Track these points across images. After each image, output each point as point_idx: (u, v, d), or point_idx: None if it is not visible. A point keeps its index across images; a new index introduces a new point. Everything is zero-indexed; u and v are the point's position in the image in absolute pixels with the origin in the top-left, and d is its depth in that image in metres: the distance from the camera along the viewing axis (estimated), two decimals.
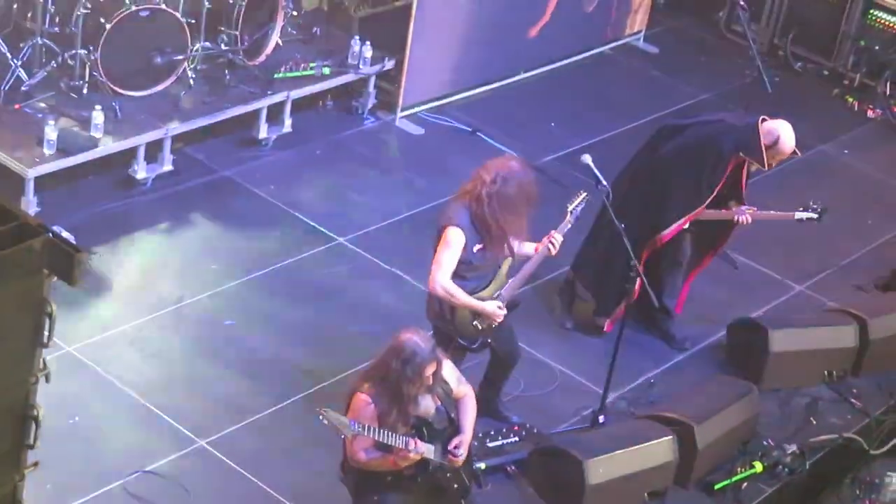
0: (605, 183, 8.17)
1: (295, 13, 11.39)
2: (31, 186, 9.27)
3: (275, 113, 10.69)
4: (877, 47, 12.96)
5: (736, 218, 8.98)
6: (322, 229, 9.85)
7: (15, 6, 9.97)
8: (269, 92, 10.56)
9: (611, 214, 8.12)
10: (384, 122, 11.35)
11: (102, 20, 9.82)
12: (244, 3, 10.45)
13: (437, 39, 11.35)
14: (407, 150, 11.11)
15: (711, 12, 13.96)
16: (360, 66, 11.14)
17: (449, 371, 6.99)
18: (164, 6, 10.03)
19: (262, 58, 10.81)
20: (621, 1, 12.91)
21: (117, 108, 9.80)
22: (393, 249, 9.75)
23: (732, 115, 9.30)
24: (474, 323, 7.74)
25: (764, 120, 8.83)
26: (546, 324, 9.34)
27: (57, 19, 9.94)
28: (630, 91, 12.60)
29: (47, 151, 9.33)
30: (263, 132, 10.62)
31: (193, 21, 10.26)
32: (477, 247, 7.57)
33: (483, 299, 7.69)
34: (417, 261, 9.66)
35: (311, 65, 10.87)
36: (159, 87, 10.20)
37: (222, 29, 10.52)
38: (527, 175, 7.65)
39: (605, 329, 9.18)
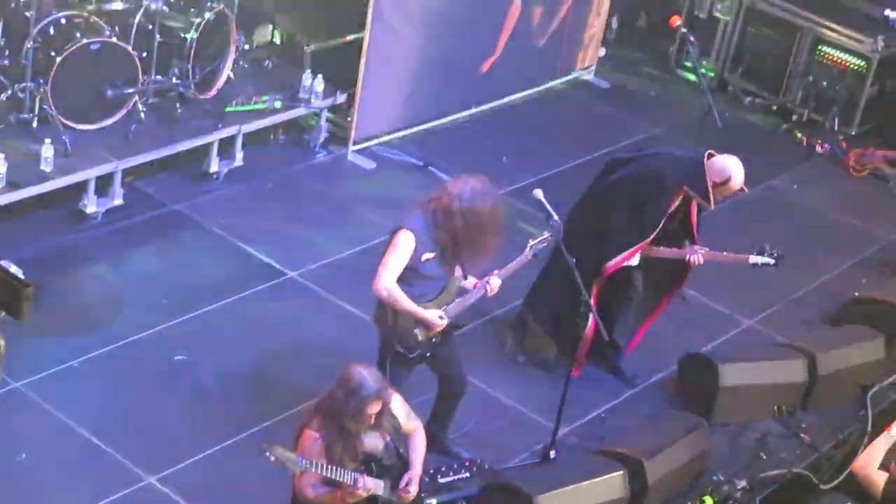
0: (556, 218, 8.17)
1: (247, 46, 11.41)
2: None
3: (226, 146, 10.67)
4: (825, 83, 13.06)
5: (687, 257, 8.96)
6: (273, 264, 9.82)
7: None
8: (220, 125, 10.54)
9: (563, 249, 8.13)
10: (336, 156, 11.35)
11: (53, 53, 9.78)
12: (196, 37, 10.43)
13: (388, 74, 11.36)
14: (359, 184, 11.10)
15: (662, 47, 14.05)
16: (312, 100, 11.15)
17: (398, 406, 6.97)
18: (115, 39, 10.00)
19: (214, 91, 10.79)
20: (572, 36, 12.97)
21: (67, 141, 9.76)
22: (345, 284, 9.72)
23: (681, 149, 9.33)
24: (415, 331, 7.70)
25: (711, 155, 8.83)
26: (498, 359, 9.34)
27: (7, 52, 9.89)
28: (581, 125, 12.65)
29: None
30: (215, 166, 10.60)
31: (145, 54, 10.23)
32: (426, 256, 7.52)
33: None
34: (369, 296, 9.67)
35: (263, 98, 10.87)
36: (110, 121, 10.16)
37: (174, 62, 10.49)
38: (498, 201, 7.61)
39: (573, 374, 8.75)
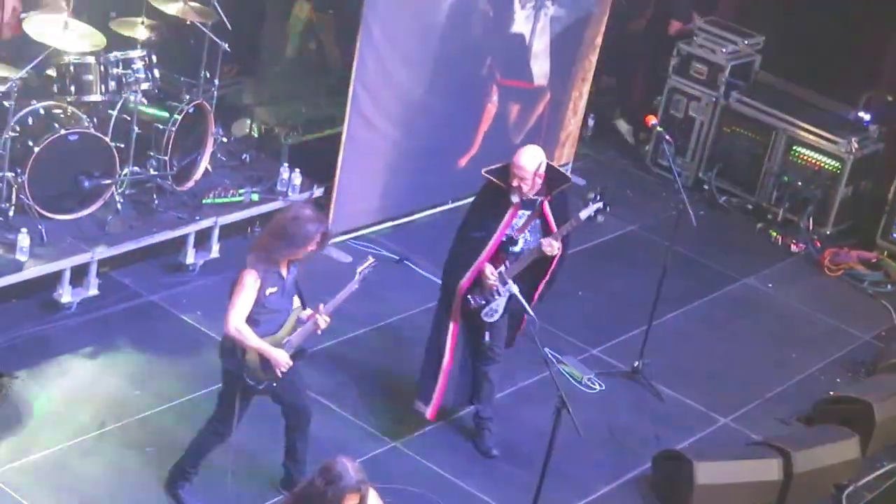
0: (531, 313, 8.21)
1: (225, 139, 11.45)
2: None
3: (202, 238, 10.68)
4: (800, 183, 13.15)
5: (543, 248, 8.90)
6: None
7: None
8: (197, 217, 10.56)
9: (537, 343, 8.13)
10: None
11: (31, 143, 9.81)
12: (174, 129, 10.47)
13: (366, 168, 11.41)
14: (334, 277, 10.99)
15: (638, 146, 14.16)
16: (289, 193, 11.17)
17: (374, 501, 6.94)
18: (93, 130, 10.03)
19: (191, 183, 10.82)
20: (548, 133, 13.05)
21: (43, 231, 9.75)
22: (320, 377, 9.68)
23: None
24: (262, 366, 7.96)
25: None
26: (473, 453, 9.31)
27: None
28: None
29: None
30: (191, 257, 10.59)
31: (122, 145, 10.26)
32: (270, 290, 7.88)
33: (276, 342, 7.97)
34: (346, 388, 9.66)
35: (240, 191, 10.89)
36: (86, 211, 10.17)
37: (151, 154, 10.53)
38: (309, 219, 7.92)
39: (429, 417, 9.30)
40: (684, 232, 10.38)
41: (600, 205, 9.03)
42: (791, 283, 12.41)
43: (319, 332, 8.12)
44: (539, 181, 8.93)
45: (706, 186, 13.65)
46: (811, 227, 13.06)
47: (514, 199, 8.94)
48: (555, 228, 9.00)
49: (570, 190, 9.27)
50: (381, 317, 10.49)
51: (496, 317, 9.07)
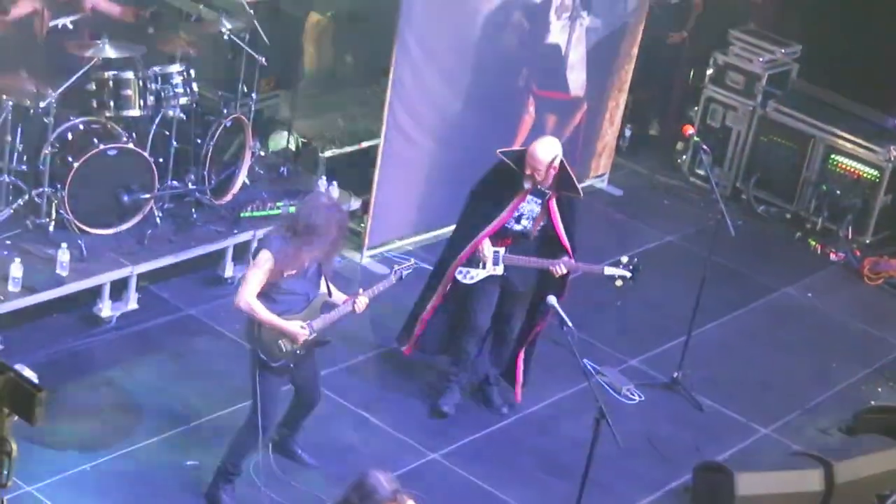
0: (570, 324, 8.20)
1: (262, 153, 11.49)
2: None
3: (241, 252, 10.70)
4: (838, 192, 13.10)
5: (550, 267, 9.25)
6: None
7: None
8: (235, 231, 10.59)
9: (577, 355, 8.14)
10: (350, 261, 11.37)
11: (70, 158, 9.86)
12: (212, 143, 10.51)
13: (403, 180, 11.42)
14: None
15: (674, 156, 14.13)
16: None
17: None
18: (131, 145, 10.07)
19: (229, 197, 10.85)
20: (585, 144, 13.06)
21: (83, 245, 9.80)
22: (358, 389, 9.70)
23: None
24: (279, 342, 8.12)
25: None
26: (512, 465, 9.30)
27: (25, 157, 9.96)
28: (595, 233, 12.61)
29: (12, 289, 9.29)
30: (229, 271, 10.62)
31: (161, 160, 10.30)
32: (287, 273, 8.04)
33: (297, 321, 8.15)
34: (383, 401, 9.67)
35: (278, 204, 10.91)
36: (126, 226, 10.21)
37: (190, 168, 10.56)
38: (333, 208, 8.12)
39: (405, 352, 9.86)
40: (723, 242, 10.35)
41: (628, 274, 9.44)
42: (831, 292, 12.35)
43: (358, 311, 8.30)
44: (553, 173, 9.19)
45: (744, 196, 13.61)
46: (850, 236, 13.00)
47: (527, 184, 9.19)
48: (558, 226, 9.33)
49: (579, 200, 9.49)
50: None
51: (469, 280, 9.44)
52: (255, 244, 10.67)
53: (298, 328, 8.12)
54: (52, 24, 10.27)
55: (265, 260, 8.00)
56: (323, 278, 8.29)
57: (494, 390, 9.85)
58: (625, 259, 9.51)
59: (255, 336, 8.17)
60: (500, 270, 9.36)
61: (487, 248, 9.36)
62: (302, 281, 8.14)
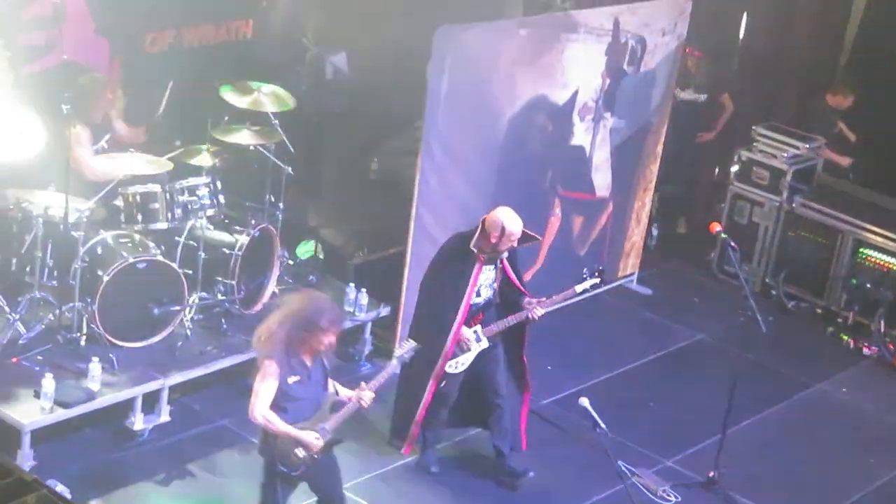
0: (603, 426, 8.16)
1: (291, 262, 11.52)
2: (27, 440, 9.21)
3: None
4: (868, 285, 13.04)
5: (527, 316, 9.56)
6: None
7: (14, 261, 10.07)
8: None
9: (611, 457, 8.11)
10: (380, 368, 11.31)
11: (100, 272, 9.90)
12: (240, 253, 10.55)
13: None
14: None
15: (703, 254, 14.12)
16: (357, 313, 11.19)
17: None
18: (160, 258, 10.12)
19: (259, 307, 10.87)
20: (612, 244, 13.06)
21: (114, 359, 9.81)
22: (394, 494, 9.65)
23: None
24: (295, 451, 8.13)
25: (483, 220, 9.49)
26: None
27: (55, 273, 10.01)
28: (625, 333, 12.64)
29: (44, 404, 9.29)
30: None
31: (190, 271, 10.34)
32: (292, 378, 8.09)
33: (310, 428, 8.16)
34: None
35: None
36: (156, 338, 10.22)
37: (219, 279, 10.59)
38: (322, 303, 8.32)
39: (405, 452, 10.00)
40: (754, 339, 10.32)
41: (598, 280, 9.73)
42: (865, 387, 12.26)
43: (365, 406, 8.37)
44: None
45: (773, 292, 13.56)
46: (883, 330, 12.91)
47: (483, 256, 9.51)
48: (513, 278, 9.65)
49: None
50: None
51: (461, 368, 9.64)
52: None
53: (314, 439, 8.15)
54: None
55: (271, 368, 8.05)
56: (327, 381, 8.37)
57: (513, 458, 9.95)
58: (585, 270, 9.81)
59: (270, 447, 8.19)
60: (485, 343, 9.65)
61: (468, 333, 9.60)
62: (308, 385, 8.19)
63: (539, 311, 9.60)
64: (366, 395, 8.35)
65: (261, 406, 8.06)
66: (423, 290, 9.86)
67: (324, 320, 8.10)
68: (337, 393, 8.41)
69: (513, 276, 9.68)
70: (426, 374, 9.69)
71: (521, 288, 9.74)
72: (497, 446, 9.93)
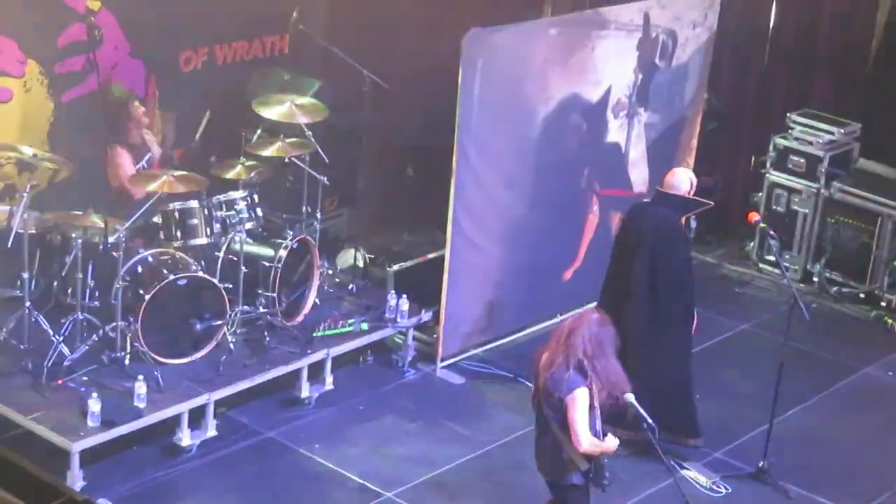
0: (650, 421, 8.15)
1: (330, 272, 11.55)
2: (76, 461, 9.25)
3: (316, 371, 10.73)
4: None
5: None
6: (369, 485, 9.76)
7: (55, 283, 10.13)
8: (308, 351, 10.61)
9: (660, 452, 8.11)
10: (425, 373, 11.36)
11: (141, 291, 9.95)
12: (280, 266, 10.58)
13: (471, 287, 11.42)
14: (449, 400, 11.08)
15: (741, 244, 14.06)
16: (398, 320, 11.21)
17: None
18: (201, 273, 10.16)
19: (301, 317, 10.90)
20: None
21: (159, 376, 9.85)
22: (440, 502, 9.65)
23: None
24: (604, 462, 8.21)
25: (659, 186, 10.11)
26: None
27: (97, 293, 10.07)
28: None
29: (91, 424, 9.35)
30: (305, 391, 10.64)
31: (231, 286, 10.38)
32: (595, 398, 8.15)
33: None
34: None
35: (350, 321, 10.95)
36: (200, 354, 10.26)
37: (260, 292, 10.63)
38: (594, 325, 8.25)
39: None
40: (798, 326, 10.27)
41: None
42: None
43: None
44: None
45: (815, 278, 13.50)
46: None
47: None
48: None
49: None
50: (499, 438, 10.45)
51: None
52: (329, 363, 10.70)
53: (615, 443, 8.18)
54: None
55: (583, 396, 8.05)
56: None
57: None
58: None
59: (589, 468, 8.19)
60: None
61: None
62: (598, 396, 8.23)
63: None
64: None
65: (584, 435, 8.03)
66: (683, 261, 10.21)
67: (608, 344, 8.20)
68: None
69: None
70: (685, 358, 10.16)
71: None
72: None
